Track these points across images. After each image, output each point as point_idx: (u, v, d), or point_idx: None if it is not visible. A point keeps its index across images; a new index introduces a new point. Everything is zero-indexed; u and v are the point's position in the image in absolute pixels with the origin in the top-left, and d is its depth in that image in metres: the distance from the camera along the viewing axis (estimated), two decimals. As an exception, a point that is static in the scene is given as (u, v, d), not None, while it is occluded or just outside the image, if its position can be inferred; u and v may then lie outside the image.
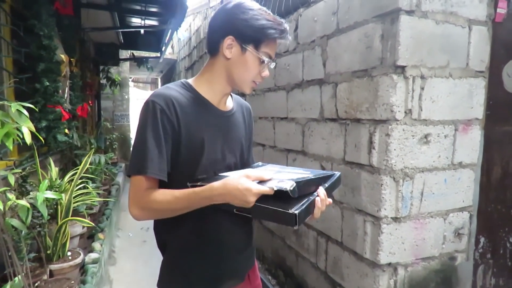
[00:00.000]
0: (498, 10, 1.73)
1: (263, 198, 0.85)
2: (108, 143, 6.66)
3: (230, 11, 0.97)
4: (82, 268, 2.50)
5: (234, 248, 1.07)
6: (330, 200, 0.93)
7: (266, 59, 0.97)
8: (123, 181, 6.18)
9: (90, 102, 4.92)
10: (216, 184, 0.86)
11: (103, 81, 6.33)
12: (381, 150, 1.70)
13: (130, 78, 10.65)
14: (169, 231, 1.04)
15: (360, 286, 1.87)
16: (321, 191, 0.91)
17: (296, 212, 0.80)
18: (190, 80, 1.04)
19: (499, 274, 2.16)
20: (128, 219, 4.87)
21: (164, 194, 0.91)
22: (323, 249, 2.22)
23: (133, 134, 9.20)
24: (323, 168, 2.18)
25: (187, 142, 0.95)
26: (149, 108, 0.92)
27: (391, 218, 1.72)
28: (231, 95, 1.15)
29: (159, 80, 13.95)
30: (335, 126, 2.05)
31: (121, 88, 7.62)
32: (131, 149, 0.97)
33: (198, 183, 0.92)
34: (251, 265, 1.18)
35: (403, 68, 1.61)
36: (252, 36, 0.95)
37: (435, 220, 1.82)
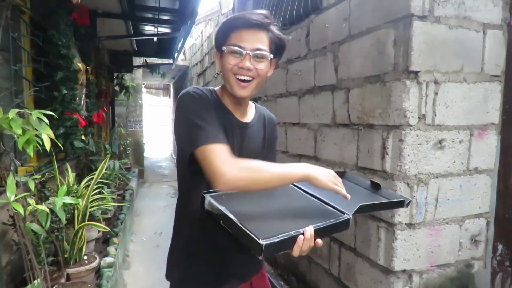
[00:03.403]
0: (513, 14, 1.71)
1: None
2: (121, 148, 6.77)
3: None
4: (98, 272, 2.54)
5: (235, 252, 1.07)
6: (319, 241, 0.85)
7: (230, 49, 0.98)
8: (136, 186, 6.26)
9: (105, 108, 5.03)
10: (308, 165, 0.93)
11: (117, 88, 6.45)
12: (395, 156, 1.69)
13: (143, 84, 10.81)
14: (176, 232, 1.10)
15: (374, 293, 1.85)
16: (309, 230, 0.83)
17: (264, 243, 0.75)
18: (216, 89, 1.10)
19: (518, 282, 2.11)
20: (142, 223, 4.93)
21: (257, 162, 0.94)
22: (336, 255, 2.21)
23: (146, 140, 9.33)
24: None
25: None
26: (193, 94, 0.99)
27: (405, 224, 1.70)
28: (256, 107, 1.18)
29: (171, 86, 14.13)
30: (348, 132, 2.05)
31: (134, 95, 7.75)
32: (181, 128, 0.97)
33: (211, 195, 0.93)
34: (256, 271, 1.20)
35: (416, 73, 1.60)
36: (220, 39, 1.01)
37: (450, 226, 1.79)
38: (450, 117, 1.70)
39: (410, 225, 1.71)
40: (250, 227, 0.79)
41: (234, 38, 0.98)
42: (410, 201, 1.02)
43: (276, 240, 0.77)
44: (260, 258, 0.76)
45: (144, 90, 12.63)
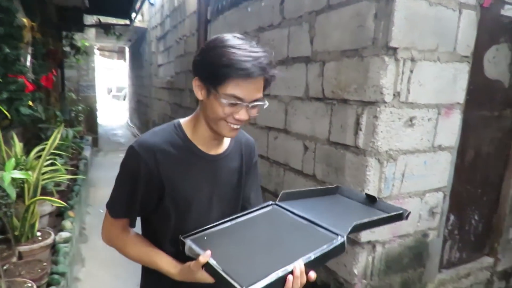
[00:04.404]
0: (489, -6, 1.74)
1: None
2: (73, 115, 6.27)
3: (203, 48, 0.88)
4: (53, 248, 2.39)
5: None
6: (312, 276, 0.77)
7: (228, 101, 0.84)
8: (90, 156, 5.92)
9: (54, 71, 4.55)
10: (167, 267, 0.91)
11: (67, 49, 5.85)
12: (368, 132, 1.70)
13: (96, 46, 9.97)
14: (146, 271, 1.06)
15: (339, 263, 1.93)
16: (298, 266, 0.75)
17: None
18: (183, 121, 0.97)
19: (463, 248, 2.32)
20: (98, 194, 4.70)
21: (132, 246, 0.98)
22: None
23: (99, 106, 8.74)
24: (306, 148, 2.18)
25: (171, 192, 0.92)
26: (130, 155, 0.91)
27: (373, 198, 1.76)
28: None
29: (127, 49, 13.21)
30: (321, 106, 2.03)
31: (86, 57, 7.11)
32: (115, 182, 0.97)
33: (191, 237, 0.89)
34: None
35: (395, 49, 1.59)
36: (210, 77, 0.86)
37: (413, 200, 1.89)
38: (422, 96, 1.73)
39: (377, 199, 1.76)
40: (233, 272, 0.74)
41: (230, 87, 0.83)
42: (409, 212, 0.97)
43: (261, 286, 0.71)
44: None
45: (97, 52, 11.67)
